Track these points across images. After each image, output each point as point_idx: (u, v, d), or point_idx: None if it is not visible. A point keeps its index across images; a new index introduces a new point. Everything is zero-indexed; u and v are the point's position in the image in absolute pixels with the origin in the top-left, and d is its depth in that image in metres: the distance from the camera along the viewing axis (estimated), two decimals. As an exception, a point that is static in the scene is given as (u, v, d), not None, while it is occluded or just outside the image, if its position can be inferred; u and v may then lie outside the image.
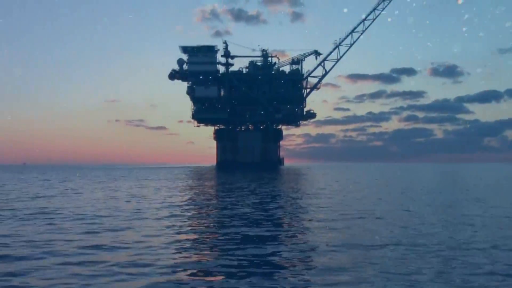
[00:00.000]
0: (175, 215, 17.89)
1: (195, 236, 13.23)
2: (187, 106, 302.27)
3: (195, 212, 19.49)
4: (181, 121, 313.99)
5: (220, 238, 12.89)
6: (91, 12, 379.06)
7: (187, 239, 12.66)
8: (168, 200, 24.79)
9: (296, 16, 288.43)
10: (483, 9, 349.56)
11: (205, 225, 15.76)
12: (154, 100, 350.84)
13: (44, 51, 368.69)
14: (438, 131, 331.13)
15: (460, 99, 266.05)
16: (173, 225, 15.16)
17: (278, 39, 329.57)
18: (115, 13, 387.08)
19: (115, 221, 16.11)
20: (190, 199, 26.00)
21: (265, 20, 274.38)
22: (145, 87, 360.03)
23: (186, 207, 21.11)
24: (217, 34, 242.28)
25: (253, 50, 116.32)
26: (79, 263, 9.72)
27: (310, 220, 16.43)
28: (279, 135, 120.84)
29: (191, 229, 14.51)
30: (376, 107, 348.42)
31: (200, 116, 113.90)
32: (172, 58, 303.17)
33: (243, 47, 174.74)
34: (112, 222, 15.87)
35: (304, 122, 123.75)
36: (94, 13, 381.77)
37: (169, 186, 38.73)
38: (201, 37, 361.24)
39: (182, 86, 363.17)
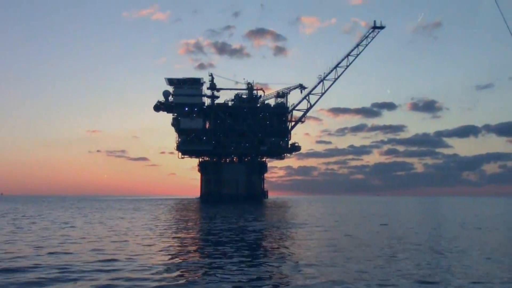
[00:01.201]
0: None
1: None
2: (169, 137, 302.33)
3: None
4: (163, 152, 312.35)
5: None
6: (73, 42, 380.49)
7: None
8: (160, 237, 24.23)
9: (279, 50, 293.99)
10: (461, 47, 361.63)
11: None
12: (136, 131, 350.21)
13: (24, 79, 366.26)
14: (418, 164, 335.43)
15: (439, 134, 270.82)
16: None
17: (261, 73, 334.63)
18: (98, 43, 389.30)
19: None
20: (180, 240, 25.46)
21: (248, 54, 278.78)
22: (127, 118, 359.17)
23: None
24: (201, 66, 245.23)
25: (236, 83, 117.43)
26: None
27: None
28: (263, 168, 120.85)
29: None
30: (358, 140, 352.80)
31: (185, 147, 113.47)
32: (155, 90, 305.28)
33: (228, 79, 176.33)
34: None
35: (289, 155, 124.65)
36: (77, 43, 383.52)
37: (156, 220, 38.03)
38: (185, 70, 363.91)
39: (164, 117, 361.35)
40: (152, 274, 12.77)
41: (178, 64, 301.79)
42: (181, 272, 13.25)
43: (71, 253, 16.83)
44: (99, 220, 36.61)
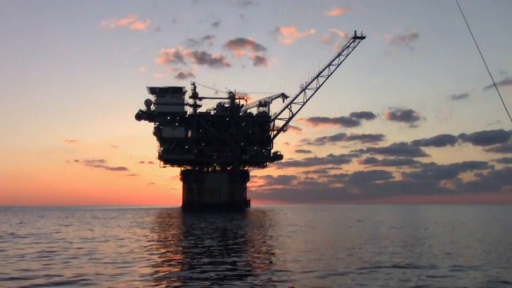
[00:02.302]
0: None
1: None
2: (149, 146, 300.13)
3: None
4: (142, 162, 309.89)
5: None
6: (50, 49, 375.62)
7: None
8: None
9: (259, 60, 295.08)
10: (436, 57, 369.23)
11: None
12: (115, 141, 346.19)
13: (0, 87, 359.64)
14: (396, 173, 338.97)
15: (417, 143, 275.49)
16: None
17: (241, 82, 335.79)
18: (76, 51, 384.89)
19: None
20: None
21: (228, 63, 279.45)
22: (106, 127, 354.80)
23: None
24: (181, 76, 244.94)
25: (216, 92, 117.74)
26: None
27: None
28: (246, 177, 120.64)
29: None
30: (337, 149, 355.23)
31: (167, 157, 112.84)
32: (134, 99, 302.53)
33: (208, 88, 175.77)
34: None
35: (270, 163, 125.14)
36: (55, 50, 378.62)
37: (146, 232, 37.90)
38: (164, 79, 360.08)
39: (144, 126, 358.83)
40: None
41: (158, 73, 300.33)
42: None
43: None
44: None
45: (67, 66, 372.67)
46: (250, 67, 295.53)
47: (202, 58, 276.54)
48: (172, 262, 16.58)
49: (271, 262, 16.67)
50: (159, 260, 17.45)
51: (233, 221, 48.01)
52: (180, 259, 17.90)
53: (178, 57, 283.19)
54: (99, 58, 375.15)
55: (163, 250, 20.71)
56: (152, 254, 19.30)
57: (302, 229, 37.90)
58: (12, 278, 13.11)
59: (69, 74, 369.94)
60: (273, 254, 19.58)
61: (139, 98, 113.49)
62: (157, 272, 14.47)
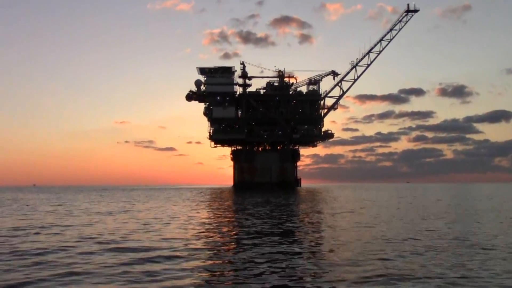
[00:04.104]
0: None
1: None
2: (196, 127, 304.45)
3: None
4: (190, 142, 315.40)
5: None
6: (99, 34, 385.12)
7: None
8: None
9: (304, 38, 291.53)
10: (490, 30, 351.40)
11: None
12: (163, 122, 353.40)
13: (54, 72, 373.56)
14: (447, 151, 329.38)
15: (469, 119, 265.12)
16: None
17: (287, 61, 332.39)
18: (123, 34, 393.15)
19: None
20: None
21: (273, 42, 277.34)
22: (154, 108, 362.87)
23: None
24: (226, 56, 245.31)
25: (262, 71, 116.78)
26: None
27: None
28: (296, 156, 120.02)
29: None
30: (385, 127, 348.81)
31: (218, 137, 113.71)
32: (180, 80, 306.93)
33: (255, 66, 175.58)
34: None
35: (321, 142, 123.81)
36: (103, 35, 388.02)
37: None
38: (209, 60, 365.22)
39: (190, 107, 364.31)
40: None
41: (203, 54, 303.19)
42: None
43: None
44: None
45: (116, 50, 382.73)
46: (295, 46, 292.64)
47: (247, 38, 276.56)
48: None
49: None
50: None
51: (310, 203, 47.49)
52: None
53: (223, 37, 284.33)
54: (146, 41, 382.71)
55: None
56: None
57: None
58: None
59: (118, 57, 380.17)
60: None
61: (186, 80, 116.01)
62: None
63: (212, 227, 21.30)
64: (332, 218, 26.26)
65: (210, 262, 12.28)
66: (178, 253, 13.42)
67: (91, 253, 13.64)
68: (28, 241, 16.60)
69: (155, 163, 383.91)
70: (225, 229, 20.72)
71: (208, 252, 13.85)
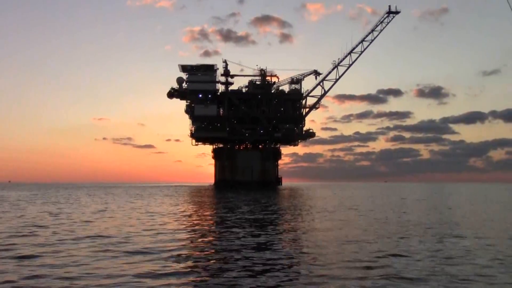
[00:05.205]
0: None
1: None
2: (175, 125, 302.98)
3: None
4: (168, 140, 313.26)
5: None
6: (78, 29, 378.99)
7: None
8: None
9: (285, 37, 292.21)
10: (467, 33, 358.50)
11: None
12: (142, 119, 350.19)
13: (31, 67, 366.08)
14: (424, 151, 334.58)
15: (446, 120, 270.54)
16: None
17: (267, 59, 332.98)
18: (103, 31, 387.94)
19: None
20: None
21: (254, 41, 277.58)
22: (133, 105, 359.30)
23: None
24: (206, 54, 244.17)
25: (242, 69, 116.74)
26: None
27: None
28: (278, 155, 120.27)
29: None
30: (363, 127, 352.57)
31: (199, 134, 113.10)
32: (160, 77, 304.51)
33: (235, 64, 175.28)
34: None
35: (302, 141, 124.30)
36: (82, 30, 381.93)
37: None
38: (189, 57, 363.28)
39: (170, 105, 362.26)
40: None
41: (183, 52, 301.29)
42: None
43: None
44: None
45: (94, 46, 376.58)
46: (276, 45, 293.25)
47: (228, 36, 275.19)
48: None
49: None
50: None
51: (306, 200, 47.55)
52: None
53: (203, 35, 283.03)
54: (126, 37, 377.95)
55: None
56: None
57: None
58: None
59: (97, 54, 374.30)
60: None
61: (165, 77, 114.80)
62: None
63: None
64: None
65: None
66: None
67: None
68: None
69: (133, 161, 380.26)
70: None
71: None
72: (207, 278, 10.32)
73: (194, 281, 9.99)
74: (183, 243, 15.63)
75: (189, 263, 12.01)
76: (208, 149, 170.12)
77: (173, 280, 10.03)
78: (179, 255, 13.02)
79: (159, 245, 14.91)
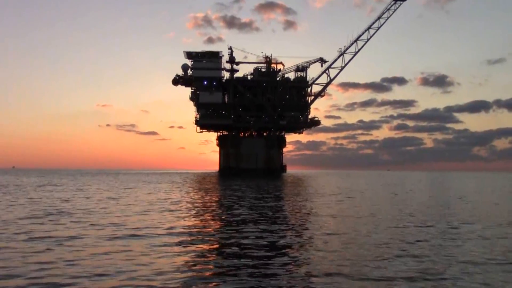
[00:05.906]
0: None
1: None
2: (179, 112, 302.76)
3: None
4: (172, 127, 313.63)
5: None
6: (82, 15, 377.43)
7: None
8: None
9: (289, 24, 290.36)
10: (473, 21, 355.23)
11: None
12: (145, 106, 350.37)
13: (36, 54, 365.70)
14: (427, 140, 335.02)
15: (450, 109, 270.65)
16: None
17: (271, 47, 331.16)
18: (107, 17, 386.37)
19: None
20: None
21: (257, 28, 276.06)
22: (137, 92, 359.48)
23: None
24: (210, 40, 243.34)
25: (245, 57, 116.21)
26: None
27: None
28: (282, 142, 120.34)
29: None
30: (367, 115, 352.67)
31: (204, 122, 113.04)
32: (164, 64, 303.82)
33: (239, 51, 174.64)
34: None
35: (307, 129, 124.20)
36: (86, 17, 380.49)
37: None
38: (193, 44, 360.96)
39: (174, 92, 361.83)
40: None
41: (187, 38, 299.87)
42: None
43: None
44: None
45: (98, 32, 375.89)
46: (280, 32, 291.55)
47: (231, 23, 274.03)
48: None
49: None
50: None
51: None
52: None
53: (207, 21, 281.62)
54: (129, 24, 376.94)
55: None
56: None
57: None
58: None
59: (101, 40, 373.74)
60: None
61: (169, 63, 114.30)
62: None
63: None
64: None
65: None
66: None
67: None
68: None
69: (136, 147, 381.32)
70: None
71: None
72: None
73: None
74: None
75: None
76: (212, 136, 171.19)
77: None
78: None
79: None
